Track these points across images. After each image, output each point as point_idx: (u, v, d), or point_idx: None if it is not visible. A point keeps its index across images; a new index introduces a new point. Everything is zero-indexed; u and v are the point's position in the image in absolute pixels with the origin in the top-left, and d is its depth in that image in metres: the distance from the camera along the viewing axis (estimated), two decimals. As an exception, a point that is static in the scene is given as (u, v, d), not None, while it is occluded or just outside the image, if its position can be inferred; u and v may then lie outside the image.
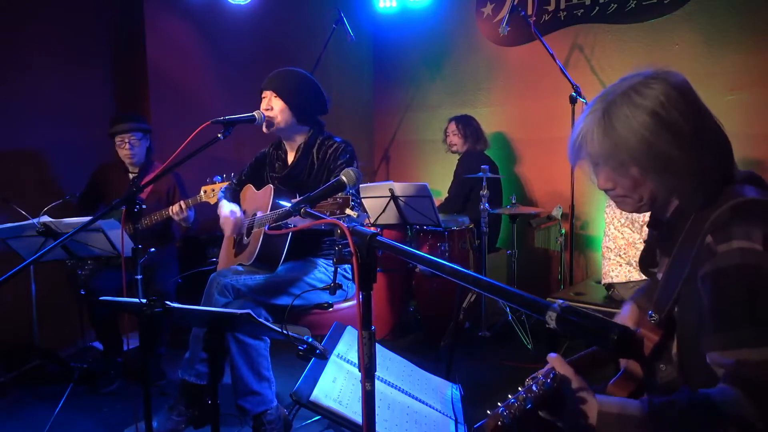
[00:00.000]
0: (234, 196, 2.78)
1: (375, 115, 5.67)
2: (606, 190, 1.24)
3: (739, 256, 1.01)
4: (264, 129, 2.50)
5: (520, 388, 1.03)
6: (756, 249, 1.00)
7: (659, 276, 1.29)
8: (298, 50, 4.62)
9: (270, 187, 2.49)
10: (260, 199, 2.55)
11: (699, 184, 1.13)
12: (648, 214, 1.32)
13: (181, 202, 2.87)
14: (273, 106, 2.47)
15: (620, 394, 1.24)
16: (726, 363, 1.01)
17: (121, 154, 3.28)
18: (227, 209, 2.56)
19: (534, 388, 1.01)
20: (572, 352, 1.22)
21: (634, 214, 2.61)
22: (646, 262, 1.40)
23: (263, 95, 2.51)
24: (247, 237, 2.57)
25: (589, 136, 1.18)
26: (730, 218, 1.05)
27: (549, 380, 1.02)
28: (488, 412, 1.01)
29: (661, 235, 1.29)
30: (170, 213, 2.93)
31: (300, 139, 2.57)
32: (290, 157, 2.63)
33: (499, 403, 1.02)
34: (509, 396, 1.02)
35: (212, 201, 2.74)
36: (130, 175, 3.35)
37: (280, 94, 2.46)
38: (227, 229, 2.56)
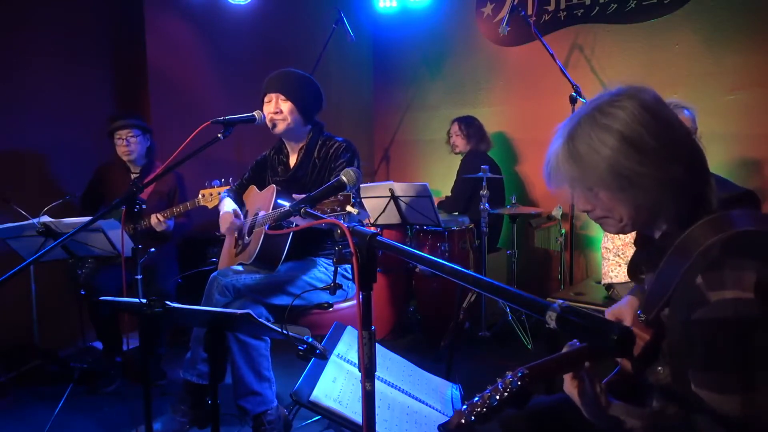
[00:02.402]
0: (236, 200, 2.78)
1: (375, 115, 5.67)
2: (586, 212, 1.23)
3: (733, 308, 0.99)
4: (273, 130, 2.49)
5: (488, 387, 1.04)
6: (748, 298, 0.98)
7: (646, 287, 1.29)
8: (298, 50, 4.62)
9: (273, 187, 2.48)
10: (263, 199, 2.55)
11: (672, 198, 1.11)
12: None
13: (158, 215, 3.00)
14: (282, 109, 2.45)
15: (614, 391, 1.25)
16: (713, 404, 1.02)
17: (120, 151, 3.29)
18: (227, 207, 2.58)
19: (500, 386, 1.02)
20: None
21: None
22: (634, 271, 1.41)
23: (267, 98, 2.48)
24: (249, 236, 2.57)
25: (557, 161, 1.17)
26: (721, 257, 1.02)
27: (516, 379, 1.02)
28: (454, 410, 1.02)
29: (647, 253, 1.28)
30: (151, 224, 3.02)
31: (302, 141, 2.57)
32: (292, 160, 2.62)
33: (464, 402, 1.03)
34: (476, 395, 1.03)
35: (210, 205, 2.75)
36: (132, 176, 3.36)
37: (288, 96, 2.45)
38: (223, 226, 2.56)
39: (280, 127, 2.48)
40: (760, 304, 0.98)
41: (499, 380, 1.04)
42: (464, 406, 1.02)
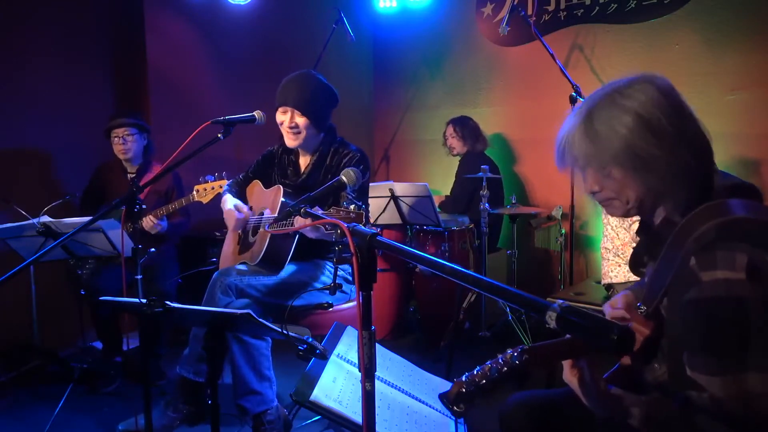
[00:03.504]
0: (240, 192, 2.77)
1: (375, 115, 5.67)
2: (593, 194, 1.24)
3: (724, 288, 1.01)
4: (291, 143, 2.48)
5: (488, 360, 1.04)
6: (739, 279, 1.00)
7: (646, 279, 1.30)
8: (298, 50, 4.62)
9: (279, 187, 2.47)
10: (269, 199, 2.54)
11: (681, 184, 1.13)
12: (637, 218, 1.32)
13: (150, 216, 3.00)
14: (297, 123, 2.43)
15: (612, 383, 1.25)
16: (708, 388, 1.03)
17: (116, 150, 3.29)
18: (230, 204, 2.55)
19: (501, 360, 1.03)
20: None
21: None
22: (636, 263, 1.41)
23: (282, 109, 2.46)
24: (253, 236, 2.56)
25: (571, 138, 1.20)
26: (714, 240, 1.05)
27: (517, 355, 1.03)
28: (454, 379, 1.02)
29: (648, 241, 1.29)
30: (143, 226, 3.01)
31: (313, 146, 2.54)
32: (302, 163, 2.60)
33: (465, 372, 1.03)
34: (477, 366, 1.04)
35: (205, 200, 2.75)
36: (128, 175, 3.35)
37: (303, 112, 2.42)
38: (231, 224, 2.54)
39: (296, 143, 2.46)
40: (751, 286, 0.99)
41: (499, 355, 1.05)
42: (464, 377, 1.02)
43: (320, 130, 2.51)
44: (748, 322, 0.99)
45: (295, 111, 2.43)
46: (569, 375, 1.15)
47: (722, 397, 1.01)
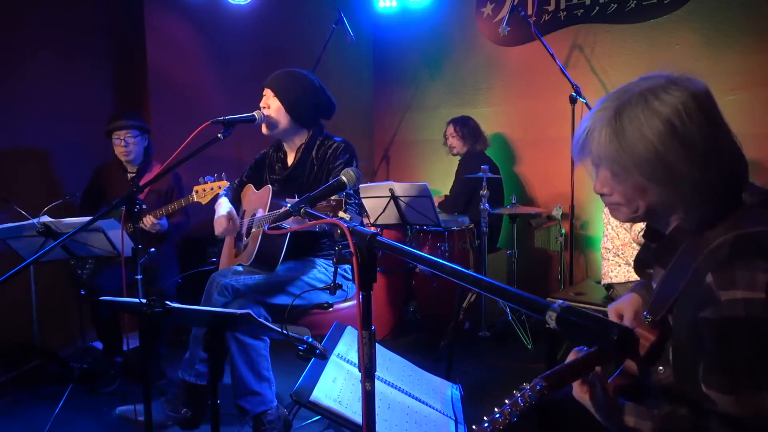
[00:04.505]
0: (235, 197, 2.79)
1: (375, 115, 5.67)
2: (601, 195, 1.19)
3: (743, 308, 0.98)
4: (263, 130, 2.50)
5: (506, 401, 1.03)
6: (759, 298, 0.97)
7: (654, 284, 1.28)
8: (298, 50, 4.62)
9: (268, 188, 2.49)
10: (259, 199, 2.55)
11: (700, 202, 1.08)
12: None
13: (150, 216, 3.01)
14: (269, 105, 2.47)
15: (617, 392, 1.24)
16: (722, 405, 1.02)
17: (118, 151, 3.29)
18: (223, 210, 2.56)
19: (520, 401, 1.02)
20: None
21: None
22: (641, 264, 1.39)
23: (264, 92, 2.51)
24: (247, 237, 2.57)
25: (595, 134, 1.11)
26: (731, 256, 1.01)
27: (534, 394, 1.02)
28: (473, 427, 1.01)
29: (658, 248, 1.25)
30: (144, 226, 3.01)
31: (299, 141, 2.57)
32: (290, 159, 2.63)
33: (485, 417, 1.02)
34: (495, 409, 1.02)
35: (204, 201, 2.75)
36: (129, 175, 3.35)
37: (277, 94, 2.46)
38: (216, 229, 2.56)
39: (267, 131, 2.48)
40: None
41: (517, 394, 1.03)
42: (486, 424, 1.00)
43: (299, 124, 2.52)
44: (766, 342, 0.98)
45: (271, 92, 2.46)
46: (580, 392, 1.15)
47: (737, 414, 1.00)
